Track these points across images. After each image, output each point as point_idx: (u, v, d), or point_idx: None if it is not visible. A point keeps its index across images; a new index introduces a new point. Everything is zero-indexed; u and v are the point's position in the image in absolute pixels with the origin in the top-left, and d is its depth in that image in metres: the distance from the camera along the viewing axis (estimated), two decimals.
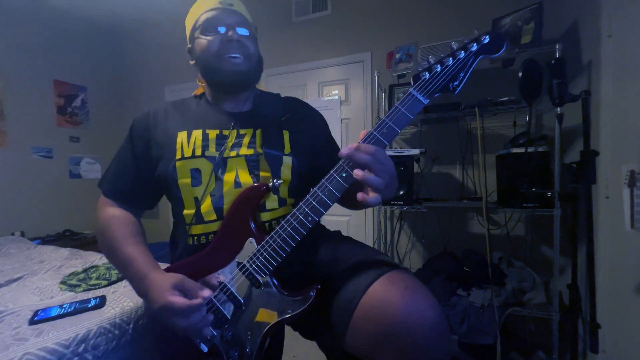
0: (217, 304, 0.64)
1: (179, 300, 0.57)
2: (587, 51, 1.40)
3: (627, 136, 1.10)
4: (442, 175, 2.08)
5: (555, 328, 1.42)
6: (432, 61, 0.56)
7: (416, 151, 1.71)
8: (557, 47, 1.40)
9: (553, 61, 1.18)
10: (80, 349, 0.90)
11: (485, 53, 0.55)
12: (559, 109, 1.28)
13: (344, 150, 0.53)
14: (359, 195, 0.52)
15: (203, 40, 0.72)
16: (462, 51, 0.55)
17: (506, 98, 1.59)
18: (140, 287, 0.64)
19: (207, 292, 0.61)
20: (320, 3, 2.41)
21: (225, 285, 0.64)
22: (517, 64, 1.53)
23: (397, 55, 1.88)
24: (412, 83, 0.56)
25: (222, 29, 0.71)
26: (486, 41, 0.54)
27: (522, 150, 1.48)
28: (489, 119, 1.86)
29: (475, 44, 0.55)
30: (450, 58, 0.55)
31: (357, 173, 0.52)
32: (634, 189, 1.03)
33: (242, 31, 0.72)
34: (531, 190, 1.43)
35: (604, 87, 1.23)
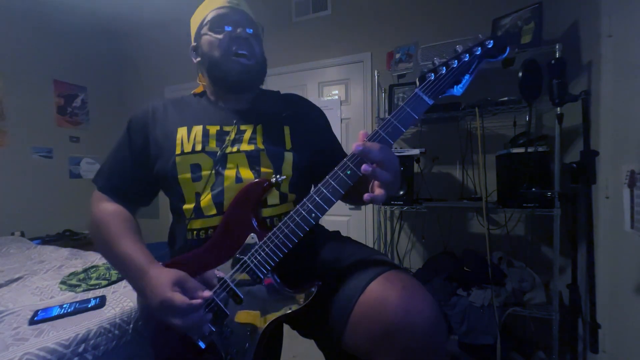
0: (217, 300, 0.63)
1: (179, 297, 0.56)
2: (587, 51, 1.40)
3: (627, 136, 1.10)
4: (442, 175, 2.07)
5: (555, 328, 1.42)
6: (437, 62, 0.57)
7: (416, 151, 1.71)
8: (557, 47, 1.40)
9: (553, 61, 1.18)
10: (80, 349, 0.89)
11: (488, 57, 0.56)
12: (559, 109, 1.28)
13: (357, 145, 0.53)
14: (366, 196, 0.53)
15: (211, 37, 0.73)
16: (467, 54, 0.56)
17: (506, 98, 1.59)
18: (139, 283, 0.63)
19: (207, 293, 0.60)
20: (320, 3, 2.41)
21: (225, 281, 0.64)
22: (517, 64, 1.53)
23: (397, 55, 1.88)
24: (417, 83, 0.57)
25: (230, 27, 0.72)
26: (490, 45, 0.56)
27: (522, 150, 1.48)
28: (489, 119, 1.86)
29: (479, 48, 0.56)
30: (455, 60, 0.56)
31: (366, 169, 0.52)
32: (634, 189, 1.03)
33: (250, 30, 0.74)
34: (531, 190, 1.43)
35: (604, 87, 1.23)
